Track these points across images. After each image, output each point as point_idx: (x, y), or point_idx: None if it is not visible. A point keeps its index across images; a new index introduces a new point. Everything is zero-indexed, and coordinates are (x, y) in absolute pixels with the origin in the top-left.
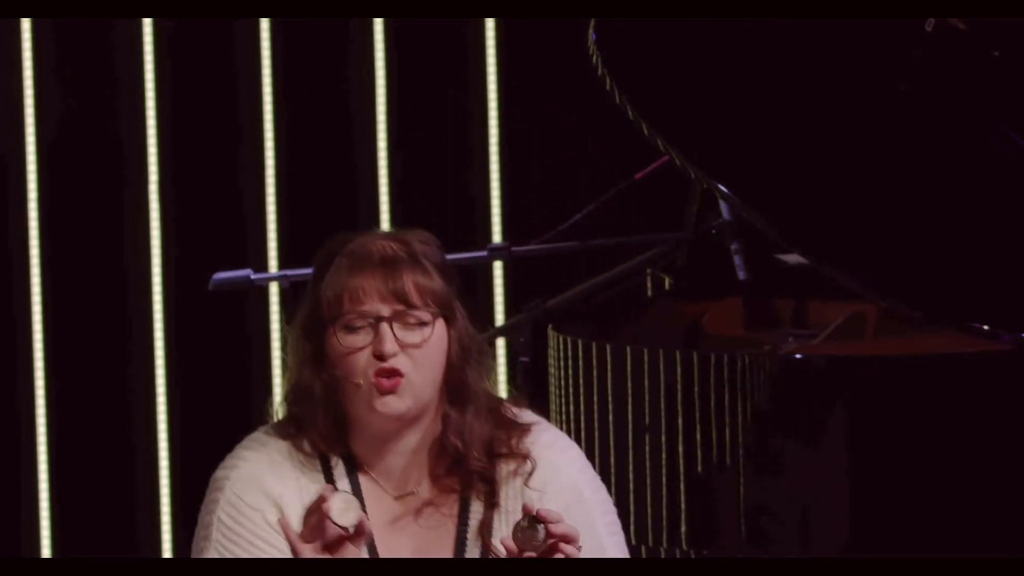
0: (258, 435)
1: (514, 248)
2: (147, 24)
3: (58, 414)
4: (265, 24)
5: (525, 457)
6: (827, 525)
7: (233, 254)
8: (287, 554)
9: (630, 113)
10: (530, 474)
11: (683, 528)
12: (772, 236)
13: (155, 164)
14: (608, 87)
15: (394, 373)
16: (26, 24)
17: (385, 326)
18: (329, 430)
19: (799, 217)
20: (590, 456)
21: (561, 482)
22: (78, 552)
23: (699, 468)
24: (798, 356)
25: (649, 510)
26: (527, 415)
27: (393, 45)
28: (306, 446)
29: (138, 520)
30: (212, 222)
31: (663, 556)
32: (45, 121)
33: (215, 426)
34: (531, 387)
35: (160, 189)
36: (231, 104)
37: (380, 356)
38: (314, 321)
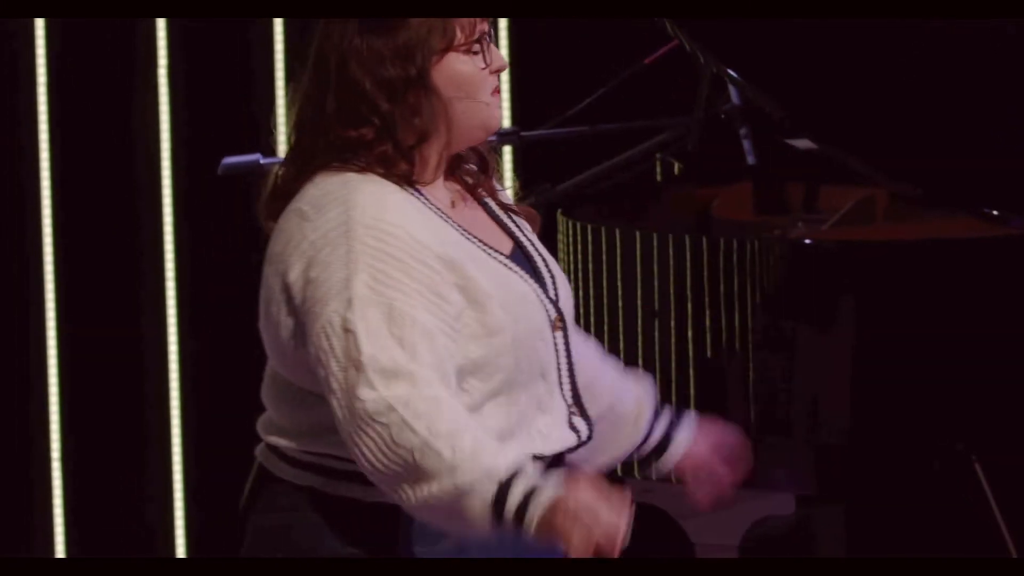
0: (354, 179)
1: (523, 132)
2: None
3: (70, 410)
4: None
5: None
6: (835, 410)
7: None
8: (441, 270)
9: None
10: None
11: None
12: (781, 120)
13: (164, 49)
14: None
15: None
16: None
17: (489, 43)
18: (429, 158)
19: (808, 101)
20: (599, 340)
21: None
22: (92, 552)
23: (708, 353)
24: (808, 240)
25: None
26: None
27: None
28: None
29: (151, 519)
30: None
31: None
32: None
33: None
34: None
35: (169, 75)
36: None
37: (499, 70)
38: (410, 61)
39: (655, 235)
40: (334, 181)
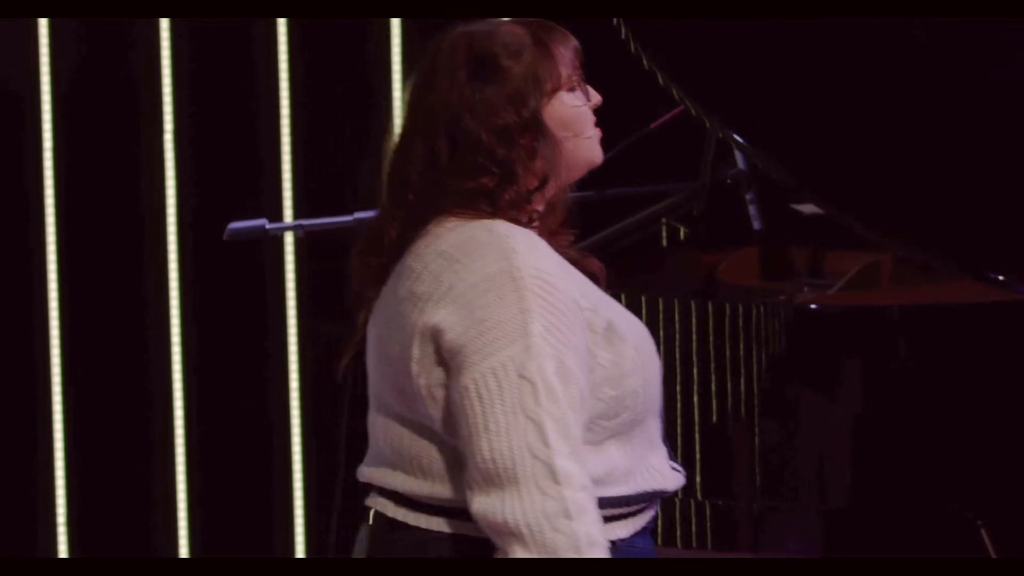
0: (499, 227)
1: None
2: None
3: (73, 411)
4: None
5: None
6: (842, 474)
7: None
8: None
9: (646, 63)
10: None
11: (698, 479)
12: (788, 185)
13: (170, 115)
14: (624, 37)
15: None
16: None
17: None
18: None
19: (815, 166)
20: None
21: None
22: (94, 552)
23: (714, 418)
24: (813, 305)
25: None
26: None
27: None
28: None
29: (153, 520)
30: (228, 176)
31: (677, 506)
32: (60, 60)
33: (231, 410)
34: None
35: (176, 140)
36: (247, 59)
37: (597, 104)
38: (523, 105)
39: (661, 299)
40: (474, 227)
